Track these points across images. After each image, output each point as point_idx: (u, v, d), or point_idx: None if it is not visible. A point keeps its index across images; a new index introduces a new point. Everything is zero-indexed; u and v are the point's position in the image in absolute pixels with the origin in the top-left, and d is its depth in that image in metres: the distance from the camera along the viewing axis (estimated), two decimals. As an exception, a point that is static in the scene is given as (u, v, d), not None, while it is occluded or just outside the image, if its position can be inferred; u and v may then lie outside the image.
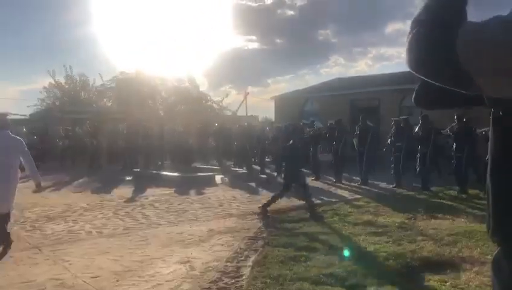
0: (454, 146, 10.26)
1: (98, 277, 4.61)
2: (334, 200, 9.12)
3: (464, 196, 9.46)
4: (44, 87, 30.32)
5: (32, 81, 61.99)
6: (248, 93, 37.70)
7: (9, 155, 5.61)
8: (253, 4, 58.88)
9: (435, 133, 10.62)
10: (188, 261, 5.10)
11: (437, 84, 0.89)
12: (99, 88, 30.61)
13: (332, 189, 10.92)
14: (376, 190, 10.67)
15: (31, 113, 27.17)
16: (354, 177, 11.92)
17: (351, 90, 21.62)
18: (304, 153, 11.15)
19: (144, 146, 15.55)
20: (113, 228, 6.91)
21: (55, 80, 29.83)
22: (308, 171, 13.15)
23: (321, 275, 4.42)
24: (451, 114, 10.45)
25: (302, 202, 7.87)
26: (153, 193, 10.36)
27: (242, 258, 5.21)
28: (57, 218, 7.58)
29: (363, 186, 11.07)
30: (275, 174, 14.08)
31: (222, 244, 5.86)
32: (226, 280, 4.51)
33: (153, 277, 4.60)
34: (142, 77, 28.96)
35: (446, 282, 4.26)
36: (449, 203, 8.74)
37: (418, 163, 10.65)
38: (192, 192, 10.43)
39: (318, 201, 8.54)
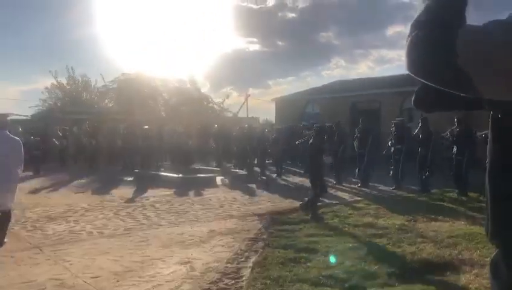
0: (454, 149, 10.26)
1: (98, 277, 4.62)
2: (334, 202, 9.12)
3: (464, 198, 9.46)
4: (46, 88, 30.47)
5: (33, 82, 62.02)
6: (249, 95, 37.85)
7: (8, 155, 5.65)
8: (255, 6, 58.88)
9: (435, 135, 10.63)
10: (189, 262, 5.11)
11: (437, 87, 0.89)
12: (101, 89, 30.72)
13: (333, 191, 10.92)
14: (376, 192, 10.67)
15: (33, 113, 27.25)
16: (354, 179, 11.93)
17: (352, 92, 21.63)
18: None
19: (144, 147, 15.57)
20: (113, 228, 6.92)
21: (57, 81, 29.94)
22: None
23: (321, 277, 4.43)
24: (450, 116, 10.46)
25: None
26: (153, 193, 10.37)
27: (242, 259, 5.22)
28: (58, 218, 7.59)
29: (364, 189, 11.07)
30: (274, 175, 14.10)
31: (222, 245, 5.87)
32: (226, 280, 4.52)
33: (153, 278, 4.61)
34: (143, 78, 29.04)
35: (446, 284, 4.26)
36: (449, 205, 8.75)
37: (417, 165, 10.65)
38: (192, 193, 10.44)
39: (318, 203, 8.52)
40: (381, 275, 4.52)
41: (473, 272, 4.56)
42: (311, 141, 8.17)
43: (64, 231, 6.70)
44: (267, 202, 9.43)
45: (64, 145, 17.82)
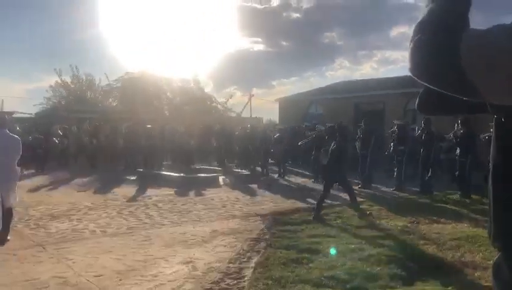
0: (458, 151, 10.24)
1: (101, 275, 4.63)
2: (336, 203, 9.11)
3: (467, 200, 9.43)
4: (51, 86, 30.56)
5: (38, 80, 62.30)
6: (253, 95, 37.87)
7: (8, 154, 5.69)
8: (259, 6, 58.86)
9: (439, 137, 10.61)
10: (191, 262, 5.12)
11: (440, 90, 0.89)
12: (105, 88, 30.79)
13: (335, 192, 10.89)
14: (379, 193, 10.65)
15: (37, 112, 27.34)
16: (356, 181, 11.90)
17: (356, 93, 21.62)
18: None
19: (147, 146, 15.57)
20: (116, 227, 6.94)
21: (61, 79, 30.02)
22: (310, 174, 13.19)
23: (323, 278, 4.43)
24: (451, 118, 10.44)
25: (304, 205, 7.89)
26: (156, 193, 10.38)
27: (244, 260, 5.22)
28: (61, 216, 7.61)
29: (366, 190, 11.05)
30: (276, 176, 14.10)
31: (225, 245, 5.87)
32: (228, 280, 4.52)
33: (155, 277, 4.62)
34: (147, 77, 29.09)
35: (448, 287, 4.26)
36: (452, 207, 8.72)
37: (420, 166, 10.62)
38: (195, 193, 10.45)
39: (323, 204, 8.51)
40: (383, 277, 4.51)
41: (476, 274, 4.55)
42: (333, 146, 8.05)
43: (67, 229, 6.72)
44: (270, 202, 9.44)
45: (65, 144, 17.85)
